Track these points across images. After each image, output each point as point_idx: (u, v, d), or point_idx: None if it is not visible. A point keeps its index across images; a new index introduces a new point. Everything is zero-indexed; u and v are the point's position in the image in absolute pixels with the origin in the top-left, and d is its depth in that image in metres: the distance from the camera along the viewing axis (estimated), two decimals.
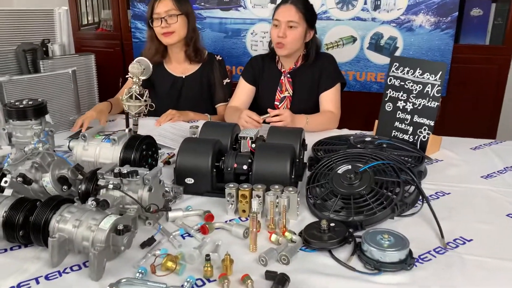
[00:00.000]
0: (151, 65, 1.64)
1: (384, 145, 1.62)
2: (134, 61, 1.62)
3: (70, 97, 2.04)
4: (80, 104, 2.11)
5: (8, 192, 1.18)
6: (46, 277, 1.04)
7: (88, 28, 4.14)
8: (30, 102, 1.48)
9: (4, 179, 1.17)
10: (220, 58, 2.43)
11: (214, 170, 1.43)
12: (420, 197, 1.36)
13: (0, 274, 1.05)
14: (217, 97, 2.41)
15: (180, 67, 2.37)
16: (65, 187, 1.28)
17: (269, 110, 1.90)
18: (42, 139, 1.46)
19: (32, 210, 1.12)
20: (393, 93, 1.85)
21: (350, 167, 1.33)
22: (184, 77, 2.37)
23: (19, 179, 1.20)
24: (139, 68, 1.60)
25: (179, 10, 2.20)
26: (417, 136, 1.77)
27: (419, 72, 1.78)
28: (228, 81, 2.44)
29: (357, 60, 3.25)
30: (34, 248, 1.14)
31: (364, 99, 3.26)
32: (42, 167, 1.26)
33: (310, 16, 2.11)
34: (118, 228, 1.06)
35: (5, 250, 1.15)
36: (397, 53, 3.13)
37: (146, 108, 1.65)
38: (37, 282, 1.03)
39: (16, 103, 1.47)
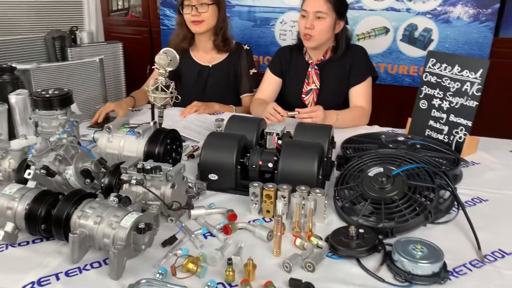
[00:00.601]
0: (177, 56, 1.60)
1: (418, 146, 1.54)
2: (161, 51, 1.58)
3: (97, 86, 2.03)
4: (107, 92, 2.10)
5: (31, 184, 1.17)
6: (66, 273, 1.03)
7: (118, 14, 4.15)
8: (56, 92, 1.47)
9: (28, 170, 1.16)
10: (248, 48, 2.37)
11: (239, 167, 1.39)
12: (455, 203, 1.28)
13: (21, 268, 1.04)
14: (243, 87, 2.37)
15: (207, 56, 2.33)
16: (88, 180, 1.26)
17: (297, 109, 1.83)
18: (67, 130, 1.45)
19: (55, 203, 1.11)
20: (428, 90, 1.76)
21: (381, 169, 1.27)
22: (211, 66, 2.33)
23: (42, 171, 1.18)
24: (165, 59, 1.56)
25: None
26: (452, 137, 1.68)
27: (457, 69, 1.68)
28: (255, 71, 2.39)
29: (389, 52, 3.14)
30: (56, 241, 1.13)
31: (396, 92, 3.16)
32: (65, 159, 1.24)
33: (339, 6, 2.02)
34: (140, 226, 1.03)
35: (27, 242, 1.14)
36: (432, 46, 3.00)
37: (171, 100, 1.62)
38: (57, 278, 1.01)
39: (42, 93, 1.45)
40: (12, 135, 1.70)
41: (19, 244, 1.13)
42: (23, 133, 1.66)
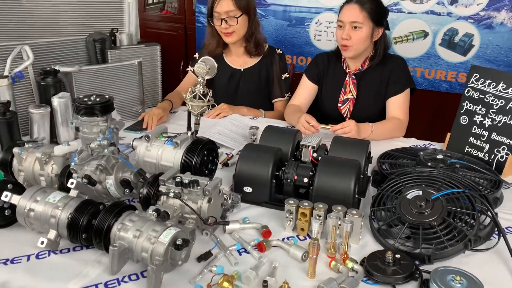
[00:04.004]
0: (216, 65, 1.61)
1: (457, 165, 1.51)
2: (200, 60, 1.59)
3: (135, 88, 2.06)
4: (144, 94, 2.13)
5: (73, 193, 1.20)
6: (106, 285, 1.06)
7: (153, 8, 4.17)
8: (98, 99, 1.50)
9: (71, 180, 1.19)
10: (281, 52, 2.35)
11: (274, 180, 1.39)
12: (496, 230, 1.25)
13: (63, 276, 1.07)
14: (275, 92, 2.35)
15: (239, 60, 2.33)
16: (127, 190, 1.29)
17: (330, 125, 1.81)
18: (107, 136, 1.48)
19: (96, 214, 1.14)
20: (470, 106, 1.71)
21: (420, 192, 1.24)
22: (242, 69, 2.33)
23: (84, 180, 1.22)
24: (204, 68, 1.57)
25: (239, 10, 2.13)
26: (493, 156, 1.63)
27: (502, 86, 1.62)
28: (288, 76, 2.37)
29: (427, 57, 3.07)
30: (96, 250, 1.16)
31: (432, 98, 3.09)
32: (106, 169, 1.27)
33: (377, 14, 1.96)
34: (177, 242, 1.05)
35: (68, 250, 1.18)
36: (472, 52, 2.91)
37: (208, 108, 1.63)
38: None
39: (84, 99, 1.49)
40: (53, 136, 1.75)
41: (61, 251, 1.17)
42: (64, 135, 1.72)
